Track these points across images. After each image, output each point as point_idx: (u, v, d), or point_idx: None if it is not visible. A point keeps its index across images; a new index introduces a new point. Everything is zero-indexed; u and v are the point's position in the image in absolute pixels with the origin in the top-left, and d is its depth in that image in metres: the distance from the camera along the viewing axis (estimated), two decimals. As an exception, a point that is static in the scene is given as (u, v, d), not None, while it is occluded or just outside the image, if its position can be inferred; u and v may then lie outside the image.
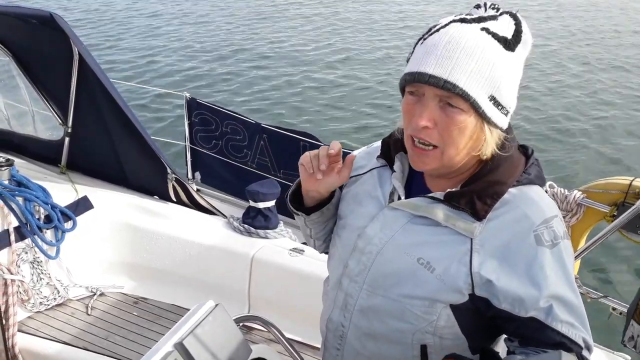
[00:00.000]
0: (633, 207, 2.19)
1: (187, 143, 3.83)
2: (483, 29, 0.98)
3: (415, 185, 1.15)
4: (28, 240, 2.62)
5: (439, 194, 1.07)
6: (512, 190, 1.05)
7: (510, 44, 0.99)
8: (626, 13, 12.94)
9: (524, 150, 1.13)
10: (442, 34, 0.98)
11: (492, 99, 0.98)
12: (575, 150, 6.45)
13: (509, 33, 0.99)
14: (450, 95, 0.96)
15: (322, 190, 1.18)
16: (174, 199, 3.07)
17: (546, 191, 2.48)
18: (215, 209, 3.13)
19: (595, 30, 11.51)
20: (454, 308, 1.06)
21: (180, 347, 1.12)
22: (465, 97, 0.96)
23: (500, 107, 1.00)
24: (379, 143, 1.24)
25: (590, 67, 9.35)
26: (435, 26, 1.02)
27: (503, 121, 1.02)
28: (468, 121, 0.98)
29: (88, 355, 2.44)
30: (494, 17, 1.00)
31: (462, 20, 0.99)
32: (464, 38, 0.96)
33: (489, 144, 1.02)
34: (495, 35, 0.98)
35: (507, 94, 1.00)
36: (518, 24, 1.01)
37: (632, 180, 2.35)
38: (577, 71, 9.13)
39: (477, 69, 0.95)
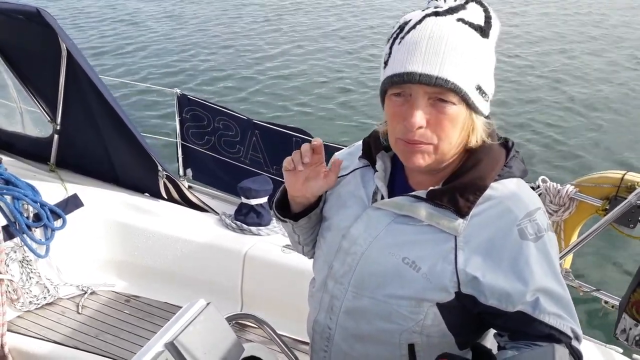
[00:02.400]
0: (625, 201, 2.21)
1: (178, 140, 3.79)
2: (459, 19, 0.97)
3: (398, 184, 1.14)
4: (17, 239, 2.59)
5: (422, 193, 1.06)
6: (494, 184, 1.05)
7: (484, 31, 0.99)
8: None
9: (504, 143, 1.12)
10: (421, 30, 0.96)
11: (478, 88, 0.99)
12: (567, 144, 6.47)
13: (481, 20, 0.99)
14: (442, 90, 0.95)
15: (309, 195, 1.17)
16: (165, 197, 3.04)
17: (538, 186, 2.49)
18: (207, 205, 3.10)
19: (596, 22, 11.54)
20: (441, 306, 1.05)
21: (171, 346, 1.10)
22: (456, 90, 0.95)
23: (484, 95, 1.01)
24: (360, 143, 1.22)
25: (585, 59, 9.38)
26: (406, 23, 1.00)
27: (486, 108, 1.03)
28: (459, 113, 0.98)
29: (79, 355, 2.41)
30: (463, 7, 0.99)
31: (436, 14, 0.97)
32: (445, 32, 0.95)
33: (478, 132, 1.03)
34: (471, 25, 0.97)
35: (488, 81, 1.01)
36: (486, 10, 1.00)
37: (624, 174, 2.36)
38: (571, 64, 9.15)
39: (463, 61, 0.95)
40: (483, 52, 0.98)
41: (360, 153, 1.19)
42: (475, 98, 0.98)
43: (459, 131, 1.00)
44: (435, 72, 0.93)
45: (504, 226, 1.01)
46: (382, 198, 1.11)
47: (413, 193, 1.07)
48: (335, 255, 1.15)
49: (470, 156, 1.05)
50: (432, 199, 1.04)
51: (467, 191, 1.02)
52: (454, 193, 1.03)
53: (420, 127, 0.97)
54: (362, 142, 1.20)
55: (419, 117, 0.96)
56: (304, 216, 1.21)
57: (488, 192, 1.03)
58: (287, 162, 1.13)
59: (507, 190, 1.04)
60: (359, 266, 1.11)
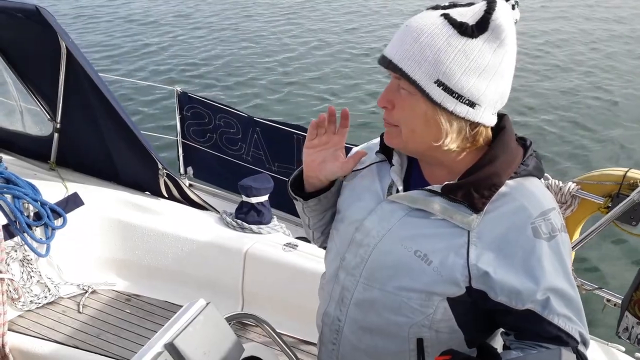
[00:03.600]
0: (627, 198, 2.19)
1: (179, 137, 3.79)
2: (443, 14, 0.98)
3: (414, 178, 1.15)
4: (17, 238, 2.58)
5: (437, 187, 1.06)
6: (509, 182, 1.04)
7: (468, 29, 0.96)
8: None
9: (522, 142, 1.11)
10: (408, 20, 1.01)
11: (441, 84, 0.97)
12: (569, 142, 6.45)
13: (472, 19, 0.97)
14: (400, 77, 0.99)
15: (322, 177, 1.20)
16: (166, 195, 3.04)
17: (541, 183, 2.47)
18: (208, 204, 3.10)
19: (605, 17, 11.50)
20: (451, 301, 1.05)
21: (170, 347, 1.10)
22: (406, 78, 0.98)
23: (452, 93, 0.97)
24: (378, 139, 1.23)
25: (588, 55, 9.34)
26: None
27: (462, 109, 0.98)
28: (418, 105, 1.00)
29: (80, 354, 2.41)
30: (465, 5, 1.00)
31: (435, 7, 1.01)
32: (419, 23, 0.98)
33: (448, 133, 1.01)
34: (452, 21, 0.97)
35: (465, 82, 0.97)
36: (488, 12, 0.97)
37: (626, 172, 2.35)
38: (575, 60, 9.12)
39: (420, 51, 0.96)
40: (456, 49, 0.95)
41: (377, 148, 1.20)
42: (434, 93, 0.97)
43: (420, 123, 1.01)
44: (390, 55, 1.00)
45: (517, 223, 1.01)
46: (398, 192, 1.12)
47: (428, 187, 1.07)
48: (347, 247, 1.16)
49: (487, 152, 1.05)
50: (447, 193, 1.04)
51: (482, 187, 1.02)
52: (469, 188, 1.02)
53: (385, 108, 1.04)
54: (380, 136, 1.20)
55: (381, 97, 1.04)
56: (314, 197, 1.22)
57: (503, 189, 1.03)
58: (310, 132, 1.19)
59: (522, 188, 1.04)
60: (371, 258, 1.11)
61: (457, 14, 0.97)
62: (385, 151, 1.17)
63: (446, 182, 1.06)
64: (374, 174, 1.19)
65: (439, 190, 1.05)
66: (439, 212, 1.04)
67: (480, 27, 0.96)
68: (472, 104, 0.99)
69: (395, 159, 1.15)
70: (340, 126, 1.18)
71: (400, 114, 1.03)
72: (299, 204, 1.27)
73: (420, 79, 0.97)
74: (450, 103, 0.98)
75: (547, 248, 1.00)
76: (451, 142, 1.02)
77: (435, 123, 1.00)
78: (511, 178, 1.05)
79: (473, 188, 1.02)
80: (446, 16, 0.97)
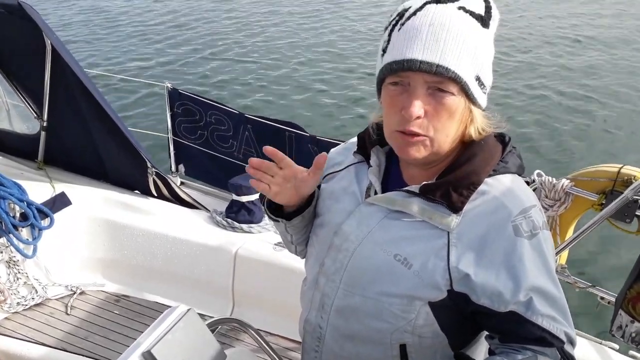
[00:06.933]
0: (621, 195, 2.16)
1: (170, 135, 3.74)
2: (460, 7, 0.94)
3: (392, 179, 1.11)
4: (3, 239, 2.55)
5: (415, 188, 1.03)
6: (488, 180, 1.02)
7: (485, 21, 0.96)
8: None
9: (500, 138, 1.08)
10: (422, 17, 0.93)
11: (478, 79, 0.96)
12: (563, 138, 6.43)
13: (482, 10, 0.96)
14: (442, 80, 0.92)
15: (303, 196, 1.14)
16: (155, 194, 2.99)
17: (534, 180, 2.44)
18: (198, 203, 3.06)
19: (597, 14, 11.47)
20: (433, 305, 1.02)
21: (148, 356, 1.06)
22: (457, 80, 0.92)
23: (482, 87, 0.98)
24: (355, 139, 1.19)
25: (583, 51, 9.32)
26: (406, 10, 0.97)
27: (484, 100, 1.01)
28: (458, 104, 0.95)
29: (68, 357, 2.38)
30: None
31: (437, 1, 0.95)
32: (447, 19, 0.92)
33: (476, 124, 1.00)
34: (472, 14, 0.94)
35: (487, 72, 0.99)
36: (487, 0, 0.98)
37: (620, 168, 2.31)
38: (568, 55, 9.10)
39: (464, 50, 0.92)
40: (483, 42, 0.95)
41: (355, 148, 1.16)
42: (474, 89, 0.96)
43: (456, 124, 0.97)
44: (436, 59, 0.91)
45: (497, 222, 0.98)
46: (376, 194, 1.08)
47: (406, 188, 1.04)
48: (327, 252, 1.12)
49: (465, 150, 1.02)
50: (425, 193, 1.01)
51: (461, 186, 0.99)
52: (447, 187, 0.99)
53: (419, 117, 0.94)
54: (357, 137, 1.17)
55: (418, 107, 0.93)
56: (297, 215, 1.17)
57: (482, 187, 1.00)
58: (264, 189, 1.09)
59: (501, 186, 1.01)
60: (350, 263, 1.08)
61: (470, 6, 0.95)
62: (363, 152, 1.14)
63: (424, 182, 1.03)
64: (351, 176, 1.15)
65: (417, 191, 1.02)
66: (418, 214, 1.01)
67: (489, 17, 0.97)
68: (486, 92, 1.01)
69: (373, 160, 1.11)
70: (274, 161, 1.09)
71: (435, 120, 0.95)
72: (280, 225, 1.20)
73: (467, 79, 0.93)
74: (481, 97, 0.98)
75: (528, 247, 0.98)
76: (474, 131, 1.01)
77: (465, 120, 0.98)
78: (490, 176, 1.02)
79: (451, 187, 0.99)
80: (465, 9, 0.94)
